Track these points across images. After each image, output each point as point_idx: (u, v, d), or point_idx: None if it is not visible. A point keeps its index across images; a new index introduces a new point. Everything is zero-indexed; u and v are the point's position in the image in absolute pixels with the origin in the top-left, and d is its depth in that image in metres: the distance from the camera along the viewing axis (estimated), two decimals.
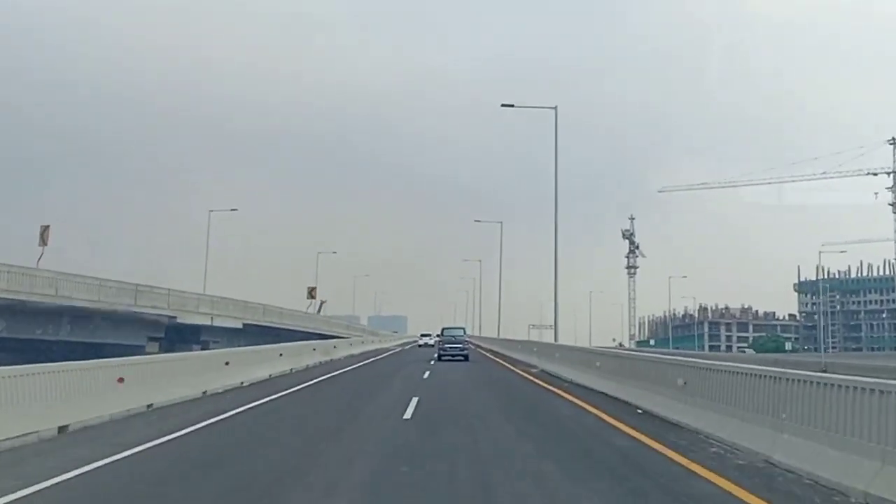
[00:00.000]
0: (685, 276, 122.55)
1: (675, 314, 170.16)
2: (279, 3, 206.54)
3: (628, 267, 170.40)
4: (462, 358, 36.30)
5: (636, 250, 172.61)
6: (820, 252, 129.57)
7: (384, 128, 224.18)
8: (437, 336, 45.06)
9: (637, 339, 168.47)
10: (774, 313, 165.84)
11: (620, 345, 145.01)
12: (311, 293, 56.84)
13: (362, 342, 42.88)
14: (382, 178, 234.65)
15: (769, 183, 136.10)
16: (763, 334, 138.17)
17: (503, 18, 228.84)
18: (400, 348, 58.67)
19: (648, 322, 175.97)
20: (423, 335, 72.57)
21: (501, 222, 63.48)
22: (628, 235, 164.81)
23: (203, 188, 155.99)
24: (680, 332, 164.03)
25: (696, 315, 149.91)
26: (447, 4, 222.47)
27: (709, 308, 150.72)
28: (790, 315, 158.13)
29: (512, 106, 35.99)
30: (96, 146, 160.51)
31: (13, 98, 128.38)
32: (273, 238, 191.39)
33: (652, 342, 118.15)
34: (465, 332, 41.47)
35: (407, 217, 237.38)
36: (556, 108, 34.73)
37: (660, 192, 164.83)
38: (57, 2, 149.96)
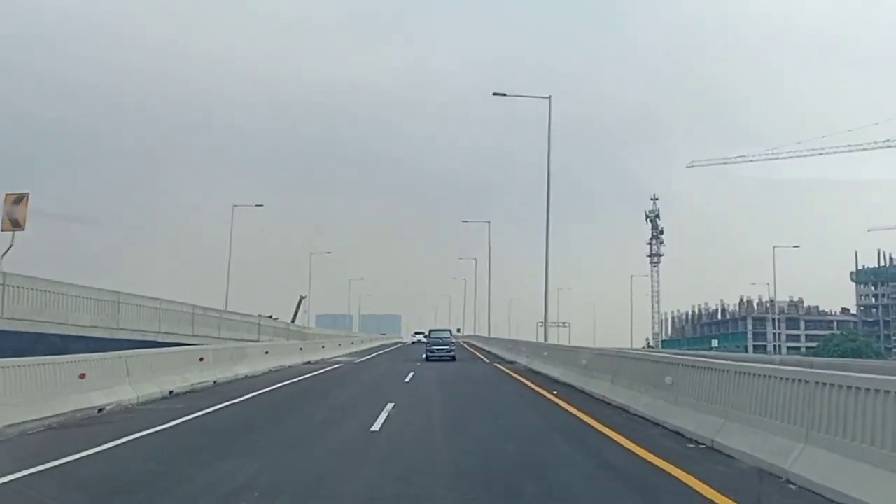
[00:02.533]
0: (797, 246, 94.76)
1: (706, 308, 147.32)
2: (275, 5, 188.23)
3: (651, 255, 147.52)
4: (449, 358, 36.18)
5: (659, 236, 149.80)
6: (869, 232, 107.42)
7: (377, 125, 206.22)
8: (426, 337, 46.29)
9: (662, 339, 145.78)
10: (818, 307, 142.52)
11: (649, 346, 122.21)
12: None
13: (232, 357, 18.91)
14: (377, 177, 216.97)
15: (820, 153, 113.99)
16: (839, 332, 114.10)
17: (503, 16, 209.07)
18: (340, 363, 32.79)
19: (673, 319, 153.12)
20: (416, 333, 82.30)
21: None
22: (652, 217, 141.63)
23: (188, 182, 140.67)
24: (713, 329, 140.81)
25: (738, 309, 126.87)
26: (445, 5, 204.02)
27: (752, 301, 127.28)
28: (843, 309, 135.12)
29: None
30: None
31: None
32: (260, 234, 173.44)
33: (715, 342, 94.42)
34: (451, 335, 41.68)
35: (402, 215, 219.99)
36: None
37: (688, 166, 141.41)
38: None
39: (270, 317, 70.44)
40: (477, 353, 46.50)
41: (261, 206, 55.26)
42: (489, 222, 65.73)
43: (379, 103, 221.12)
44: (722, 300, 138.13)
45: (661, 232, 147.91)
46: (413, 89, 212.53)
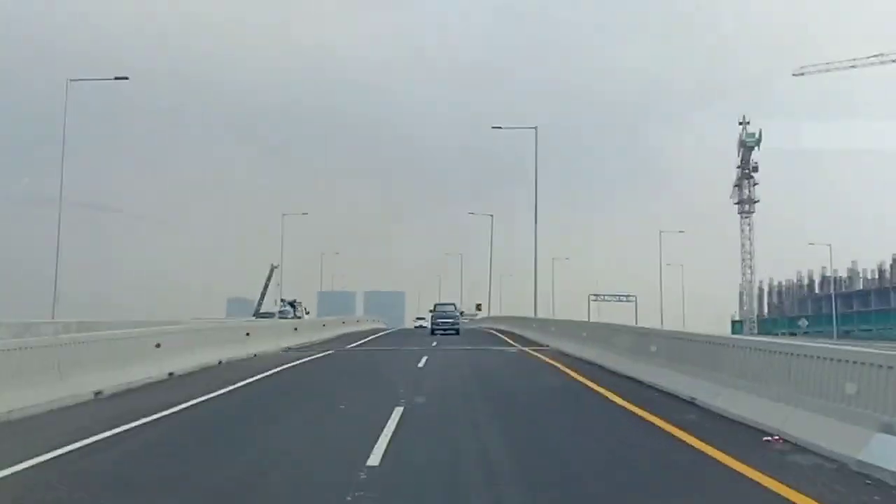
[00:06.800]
0: None
1: (823, 275, 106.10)
2: None
3: (740, 202, 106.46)
4: (454, 332, 39.62)
5: (752, 175, 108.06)
6: None
7: (376, 96, 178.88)
8: (430, 312, 47.68)
9: (757, 317, 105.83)
10: None
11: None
12: None
13: None
14: (383, 153, 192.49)
15: None
16: None
17: None
18: None
19: (776, 290, 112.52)
20: (418, 318, 78.34)
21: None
22: (751, 144, 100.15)
23: None
24: (835, 306, 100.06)
25: (879, 277, 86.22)
26: None
27: None
28: None
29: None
30: None
31: None
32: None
33: None
34: (455, 308, 45.40)
35: (406, 188, 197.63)
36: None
37: (795, 75, 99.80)
38: None
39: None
40: None
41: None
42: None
43: (379, 73, 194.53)
44: (854, 261, 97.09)
45: (755, 169, 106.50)
46: (413, 60, 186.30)
